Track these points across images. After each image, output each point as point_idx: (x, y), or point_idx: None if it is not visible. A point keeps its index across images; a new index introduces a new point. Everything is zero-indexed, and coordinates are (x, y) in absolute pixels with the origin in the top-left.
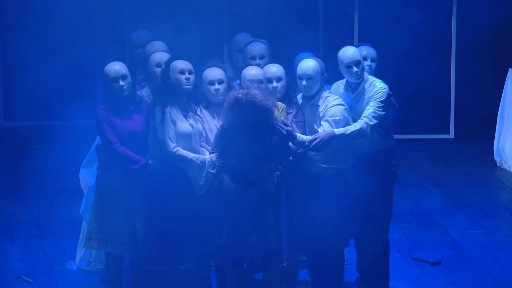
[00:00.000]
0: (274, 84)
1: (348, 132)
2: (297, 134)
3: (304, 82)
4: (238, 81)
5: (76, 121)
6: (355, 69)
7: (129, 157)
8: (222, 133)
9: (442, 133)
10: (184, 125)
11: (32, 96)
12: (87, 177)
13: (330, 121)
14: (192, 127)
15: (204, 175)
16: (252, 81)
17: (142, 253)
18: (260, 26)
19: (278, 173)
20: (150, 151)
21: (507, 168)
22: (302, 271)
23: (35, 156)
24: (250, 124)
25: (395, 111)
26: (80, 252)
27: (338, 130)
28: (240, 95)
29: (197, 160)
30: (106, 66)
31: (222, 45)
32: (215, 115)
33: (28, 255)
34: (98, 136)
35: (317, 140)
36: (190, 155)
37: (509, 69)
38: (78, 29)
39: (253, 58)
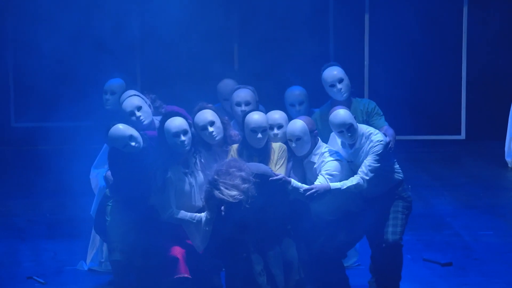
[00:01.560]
0: (275, 131)
1: (344, 187)
2: (291, 180)
3: (293, 144)
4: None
5: (87, 122)
6: (347, 134)
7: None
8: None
9: (453, 134)
10: (185, 185)
11: (43, 97)
12: (97, 177)
13: (324, 175)
14: (193, 186)
15: (202, 233)
16: (254, 129)
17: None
18: (270, 28)
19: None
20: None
21: None
22: None
23: (46, 157)
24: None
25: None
26: (91, 253)
27: (334, 185)
28: (213, 193)
29: (194, 220)
30: (111, 133)
31: (232, 47)
32: (217, 157)
33: (39, 256)
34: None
35: (313, 190)
36: (187, 215)
37: None
38: (88, 32)
39: (238, 104)
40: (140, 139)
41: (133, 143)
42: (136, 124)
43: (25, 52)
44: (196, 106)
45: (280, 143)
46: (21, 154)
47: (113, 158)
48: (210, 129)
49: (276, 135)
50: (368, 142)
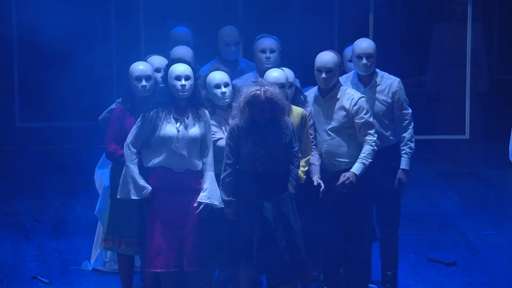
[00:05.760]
0: (286, 89)
1: (368, 162)
2: (322, 184)
3: (323, 75)
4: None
5: (92, 122)
6: (364, 62)
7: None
8: (232, 131)
9: (457, 133)
10: (169, 127)
11: (48, 97)
12: (102, 177)
13: (362, 158)
14: (179, 131)
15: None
16: (273, 84)
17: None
18: (275, 25)
19: (293, 174)
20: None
21: None
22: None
23: (51, 157)
24: (263, 121)
25: None
26: (95, 253)
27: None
28: (258, 92)
29: (138, 182)
30: (133, 64)
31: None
32: (221, 119)
33: (44, 256)
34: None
35: (346, 181)
36: (136, 173)
37: None
38: (93, 32)
39: (263, 51)
40: (152, 87)
41: (144, 83)
42: (138, 91)
43: (30, 51)
44: (212, 66)
45: (302, 109)
46: (26, 154)
47: (116, 118)
48: (224, 89)
49: (286, 94)
50: (387, 81)
